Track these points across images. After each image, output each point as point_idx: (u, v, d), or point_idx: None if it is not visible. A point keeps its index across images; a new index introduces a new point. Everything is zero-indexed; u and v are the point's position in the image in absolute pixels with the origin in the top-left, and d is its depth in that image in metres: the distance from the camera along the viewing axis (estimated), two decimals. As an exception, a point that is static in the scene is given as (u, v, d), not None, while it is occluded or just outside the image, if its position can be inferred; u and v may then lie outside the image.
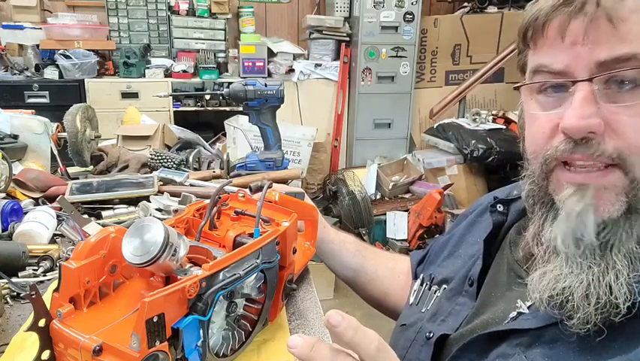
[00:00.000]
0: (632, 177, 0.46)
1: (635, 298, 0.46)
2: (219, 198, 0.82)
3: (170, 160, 1.52)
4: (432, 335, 0.67)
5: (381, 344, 0.42)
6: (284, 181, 1.52)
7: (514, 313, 0.58)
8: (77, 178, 1.39)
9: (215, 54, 3.47)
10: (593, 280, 0.47)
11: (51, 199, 1.25)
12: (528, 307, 0.57)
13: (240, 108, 1.57)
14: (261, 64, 3.42)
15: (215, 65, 3.40)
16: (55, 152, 1.55)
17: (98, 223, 1.12)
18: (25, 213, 1.14)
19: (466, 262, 0.72)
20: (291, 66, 3.49)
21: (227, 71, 3.57)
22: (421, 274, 0.80)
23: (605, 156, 0.47)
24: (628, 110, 0.46)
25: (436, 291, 0.74)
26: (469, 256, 0.72)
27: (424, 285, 0.77)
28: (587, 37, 0.46)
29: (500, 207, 0.71)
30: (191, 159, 1.60)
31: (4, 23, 3.17)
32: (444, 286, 0.73)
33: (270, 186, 0.82)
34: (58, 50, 3.12)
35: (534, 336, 0.53)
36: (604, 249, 0.48)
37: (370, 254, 0.98)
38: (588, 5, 0.46)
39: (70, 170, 1.55)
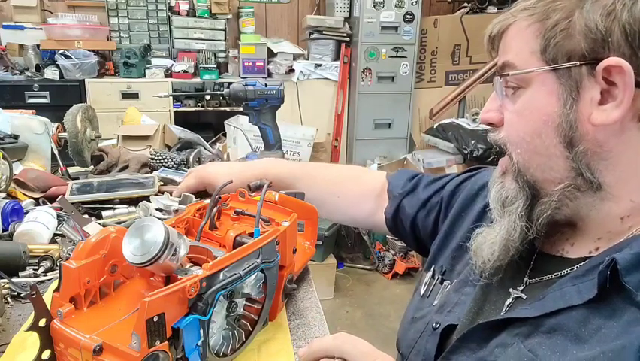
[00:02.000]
0: (510, 159, 0.60)
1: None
2: (219, 198, 0.82)
3: (170, 160, 1.52)
4: (438, 325, 0.68)
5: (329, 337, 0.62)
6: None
7: (509, 300, 0.61)
8: (78, 178, 1.39)
9: (215, 54, 3.47)
10: (491, 235, 0.62)
11: (51, 199, 1.25)
12: (521, 291, 0.60)
13: (240, 108, 1.57)
14: (261, 64, 3.42)
15: (215, 65, 3.41)
16: (56, 152, 1.55)
17: (99, 223, 1.12)
18: (26, 213, 1.14)
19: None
20: (291, 66, 3.49)
21: (227, 72, 3.57)
22: (432, 266, 0.81)
23: (496, 141, 0.62)
24: (510, 108, 0.59)
25: (447, 285, 0.75)
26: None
27: (436, 278, 0.78)
28: (499, 47, 0.61)
29: None
30: (191, 159, 1.61)
31: (4, 23, 3.17)
32: (455, 279, 0.74)
33: (269, 186, 0.82)
34: (59, 50, 3.13)
35: (533, 326, 0.54)
36: (503, 215, 0.61)
37: (309, 180, 1.02)
38: (495, 29, 0.62)
39: (71, 170, 1.55)
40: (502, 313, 0.60)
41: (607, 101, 0.52)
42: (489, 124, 0.62)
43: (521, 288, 0.61)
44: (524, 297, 0.59)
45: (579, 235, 0.59)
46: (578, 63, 0.52)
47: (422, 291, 0.79)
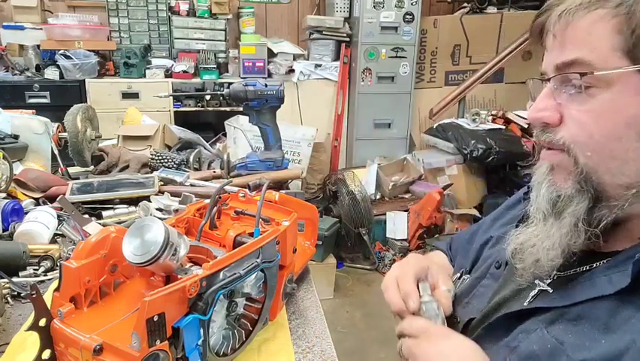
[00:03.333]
0: (575, 161, 0.54)
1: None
2: (219, 197, 0.82)
3: (170, 160, 1.52)
4: (458, 320, 0.68)
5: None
6: (284, 181, 1.52)
7: (535, 292, 0.59)
8: (78, 178, 1.40)
9: (215, 54, 3.47)
10: (539, 239, 0.57)
11: (52, 199, 1.25)
12: (548, 285, 0.59)
13: (241, 108, 1.57)
14: (261, 64, 3.42)
15: (215, 66, 3.41)
16: (56, 152, 1.56)
17: (99, 223, 1.12)
18: (26, 213, 1.14)
19: (493, 252, 0.73)
20: (291, 66, 3.49)
21: (227, 72, 3.57)
22: (461, 269, 0.80)
23: (554, 142, 0.56)
24: (578, 108, 0.53)
25: (467, 279, 0.75)
26: (499, 246, 0.73)
27: (461, 278, 0.78)
28: (554, 45, 0.55)
29: None
30: (191, 159, 1.61)
31: (4, 24, 3.17)
32: (473, 275, 0.74)
33: (269, 185, 0.83)
34: (59, 50, 3.13)
35: (558, 313, 0.54)
36: (557, 217, 0.56)
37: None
38: (552, 19, 0.55)
39: (71, 170, 1.55)
40: (525, 304, 0.59)
41: None
42: (543, 123, 0.56)
43: (548, 281, 0.59)
44: (550, 291, 0.58)
45: (619, 233, 0.56)
46: None
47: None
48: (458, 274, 0.80)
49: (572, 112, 0.54)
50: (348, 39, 3.58)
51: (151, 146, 1.74)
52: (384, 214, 3.19)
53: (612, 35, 0.50)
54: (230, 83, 1.83)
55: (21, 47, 3.18)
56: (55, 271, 0.95)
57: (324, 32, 3.53)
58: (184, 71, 3.31)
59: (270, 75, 3.45)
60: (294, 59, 3.52)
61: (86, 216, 1.16)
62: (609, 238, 0.57)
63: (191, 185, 1.38)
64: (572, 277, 0.58)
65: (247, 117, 1.53)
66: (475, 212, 3.21)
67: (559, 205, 0.56)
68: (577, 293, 0.54)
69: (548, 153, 0.57)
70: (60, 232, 1.10)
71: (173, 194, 1.30)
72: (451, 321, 0.69)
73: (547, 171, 0.58)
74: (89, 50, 3.17)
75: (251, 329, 0.73)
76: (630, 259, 0.51)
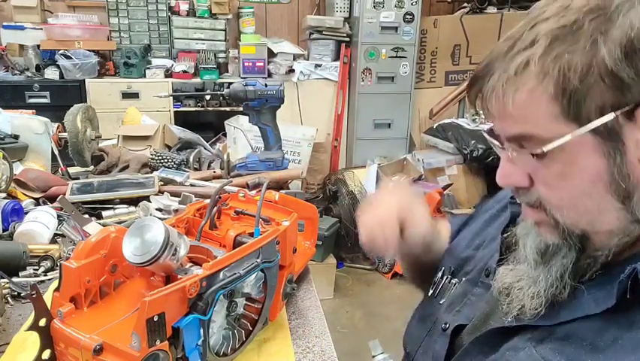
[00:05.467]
0: (554, 219, 0.54)
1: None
2: (219, 197, 0.82)
3: (170, 160, 1.52)
4: (447, 326, 0.68)
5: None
6: (284, 181, 1.52)
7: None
8: (78, 178, 1.40)
9: (215, 54, 3.47)
10: (525, 283, 0.58)
11: (52, 199, 1.25)
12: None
13: (241, 108, 1.57)
14: (261, 64, 3.42)
15: (215, 66, 3.40)
16: (56, 152, 1.56)
17: (99, 223, 1.12)
18: (26, 213, 1.14)
19: (485, 255, 0.73)
20: (291, 66, 3.49)
21: (227, 72, 3.57)
22: (442, 267, 0.81)
23: (530, 202, 0.56)
24: (542, 174, 0.53)
25: (455, 284, 0.75)
26: (489, 248, 0.73)
27: (445, 278, 0.78)
28: (496, 116, 0.53)
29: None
30: (191, 159, 1.61)
31: (4, 23, 3.17)
32: (463, 278, 0.74)
33: (269, 185, 0.83)
34: (59, 50, 3.12)
35: (546, 332, 0.54)
36: (546, 265, 0.56)
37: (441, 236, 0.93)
38: (486, 94, 0.52)
39: (71, 170, 1.55)
40: (510, 318, 0.59)
41: None
42: (515, 188, 0.57)
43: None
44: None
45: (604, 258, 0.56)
46: (613, 115, 0.46)
47: (431, 292, 0.79)
48: (440, 273, 0.79)
49: (538, 175, 0.53)
50: (348, 39, 3.58)
51: (151, 146, 1.74)
52: (384, 214, 3.19)
53: (551, 103, 0.48)
54: (230, 83, 1.83)
55: (21, 46, 3.18)
56: (55, 271, 0.95)
57: (324, 32, 3.53)
58: (184, 71, 3.31)
59: (270, 75, 3.45)
60: (294, 59, 3.52)
61: (86, 216, 1.16)
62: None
63: (191, 185, 1.38)
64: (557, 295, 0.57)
65: (247, 117, 1.53)
66: (475, 212, 3.21)
67: (548, 253, 0.56)
68: (562, 313, 0.54)
69: (529, 211, 0.57)
70: (60, 232, 1.10)
71: (173, 194, 1.30)
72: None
73: (532, 224, 0.59)
74: (88, 50, 3.16)
75: (251, 329, 0.73)
76: (615, 278, 0.50)
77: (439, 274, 0.79)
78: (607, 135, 0.48)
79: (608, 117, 0.46)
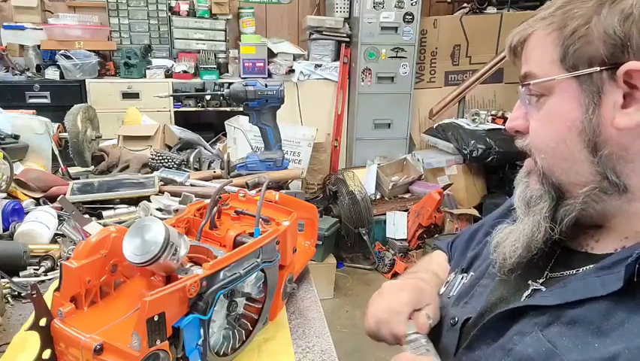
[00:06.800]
0: (535, 163, 0.61)
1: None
2: (220, 197, 0.82)
3: (170, 160, 1.53)
4: (456, 320, 0.68)
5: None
6: (284, 181, 1.52)
7: (528, 292, 0.61)
8: (78, 178, 1.40)
9: (215, 55, 3.47)
10: (512, 234, 0.63)
11: (52, 199, 1.26)
12: (540, 284, 0.60)
13: (241, 108, 1.57)
14: (262, 64, 3.42)
15: (215, 66, 3.41)
16: (57, 152, 1.56)
17: (99, 223, 1.12)
18: (27, 213, 1.14)
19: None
20: (291, 67, 3.49)
21: (227, 72, 3.57)
22: (454, 268, 0.81)
23: (523, 147, 0.62)
24: (534, 116, 0.60)
25: (463, 278, 0.75)
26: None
27: (455, 275, 0.78)
28: (522, 57, 0.61)
29: None
30: (191, 159, 1.61)
31: (5, 24, 3.17)
32: (471, 273, 0.74)
33: (269, 185, 0.83)
34: (59, 50, 3.13)
35: (553, 316, 0.55)
36: (529, 216, 0.61)
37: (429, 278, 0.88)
38: (514, 41, 0.61)
39: (72, 170, 1.55)
40: (522, 301, 0.60)
41: (630, 105, 0.52)
42: (516, 131, 0.63)
43: (541, 281, 0.61)
44: (543, 289, 0.60)
45: (605, 233, 0.59)
46: (598, 69, 0.52)
47: (442, 290, 0.78)
48: (453, 274, 0.80)
49: (532, 120, 0.60)
50: (348, 39, 3.58)
51: (151, 146, 1.74)
52: (384, 214, 3.19)
53: (552, 48, 0.56)
54: (230, 83, 1.83)
55: (21, 47, 3.18)
56: (55, 271, 0.95)
57: (324, 32, 3.53)
58: (184, 71, 3.31)
59: (270, 75, 3.45)
60: (294, 59, 3.52)
61: (87, 216, 1.16)
62: (599, 239, 0.59)
63: (191, 185, 1.39)
64: (565, 277, 0.59)
65: (247, 117, 1.53)
66: (475, 212, 3.21)
67: (531, 205, 0.61)
68: (569, 293, 0.55)
69: (526, 162, 0.63)
70: (60, 232, 1.10)
71: (173, 194, 1.30)
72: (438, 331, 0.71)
73: (524, 175, 0.64)
74: (89, 50, 3.17)
75: (251, 328, 0.73)
76: (622, 261, 0.51)
77: (452, 276, 0.79)
78: (588, 87, 0.54)
79: (594, 69, 0.53)
